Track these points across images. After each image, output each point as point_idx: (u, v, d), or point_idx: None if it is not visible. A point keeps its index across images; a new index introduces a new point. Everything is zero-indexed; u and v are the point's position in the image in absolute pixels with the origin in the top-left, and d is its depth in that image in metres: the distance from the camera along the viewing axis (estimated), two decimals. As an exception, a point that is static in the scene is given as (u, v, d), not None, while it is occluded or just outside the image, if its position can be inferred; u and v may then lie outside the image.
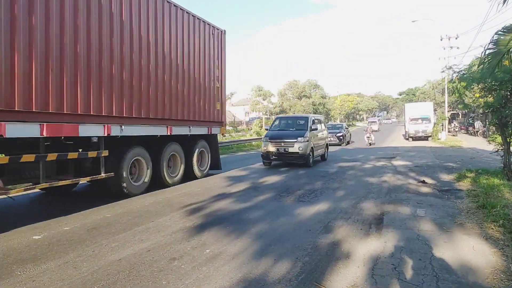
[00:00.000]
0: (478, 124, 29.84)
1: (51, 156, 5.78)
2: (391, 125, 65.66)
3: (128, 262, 3.88)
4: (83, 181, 6.82)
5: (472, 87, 10.36)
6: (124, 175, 7.18)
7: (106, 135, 6.71)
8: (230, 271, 3.60)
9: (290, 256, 3.96)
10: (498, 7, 5.24)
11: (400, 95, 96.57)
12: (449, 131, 31.62)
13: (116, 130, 6.95)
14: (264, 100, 51.46)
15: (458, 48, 33.18)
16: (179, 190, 8.26)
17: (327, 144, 14.42)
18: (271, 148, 11.92)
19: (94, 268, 3.74)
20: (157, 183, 8.37)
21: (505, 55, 5.96)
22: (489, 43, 5.97)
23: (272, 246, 4.31)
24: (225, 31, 11.03)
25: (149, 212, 6.17)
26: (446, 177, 9.31)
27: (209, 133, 10.51)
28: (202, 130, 10.14)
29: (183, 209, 6.34)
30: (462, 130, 36.31)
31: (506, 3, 5.16)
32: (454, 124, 33.96)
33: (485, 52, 6.00)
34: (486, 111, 8.77)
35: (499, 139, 9.03)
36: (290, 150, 11.62)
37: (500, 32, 5.86)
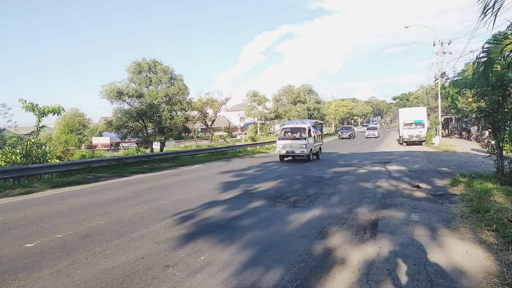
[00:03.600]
0: (473, 129, 29.70)
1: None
2: (377, 137, 41.54)
3: (122, 270, 3.84)
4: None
5: (464, 92, 10.47)
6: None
7: None
8: (225, 278, 3.58)
9: (285, 262, 3.94)
10: (479, 20, 5.34)
11: (394, 100, 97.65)
12: (443, 136, 31.79)
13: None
14: (259, 105, 51.49)
15: (450, 53, 33.64)
16: (172, 196, 8.21)
17: None
18: None
19: (87, 276, 3.70)
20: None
21: (498, 61, 6.05)
22: (480, 52, 6.06)
23: (267, 252, 4.29)
24: None
25: (143, 219, 6.13)
26: (440, 181, 9.36)
27: None
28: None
29: (177, 215, 6.31)
30: (456, 135, 36.60)
31: (482, 15, 5.25)
32: (483, 133, 21.99)
33: (477, 62, 6.10)
34: (479, 116, 8.86)
35: (492, 143, 9.11)
36: None
37: (490, 41, 5.96)
